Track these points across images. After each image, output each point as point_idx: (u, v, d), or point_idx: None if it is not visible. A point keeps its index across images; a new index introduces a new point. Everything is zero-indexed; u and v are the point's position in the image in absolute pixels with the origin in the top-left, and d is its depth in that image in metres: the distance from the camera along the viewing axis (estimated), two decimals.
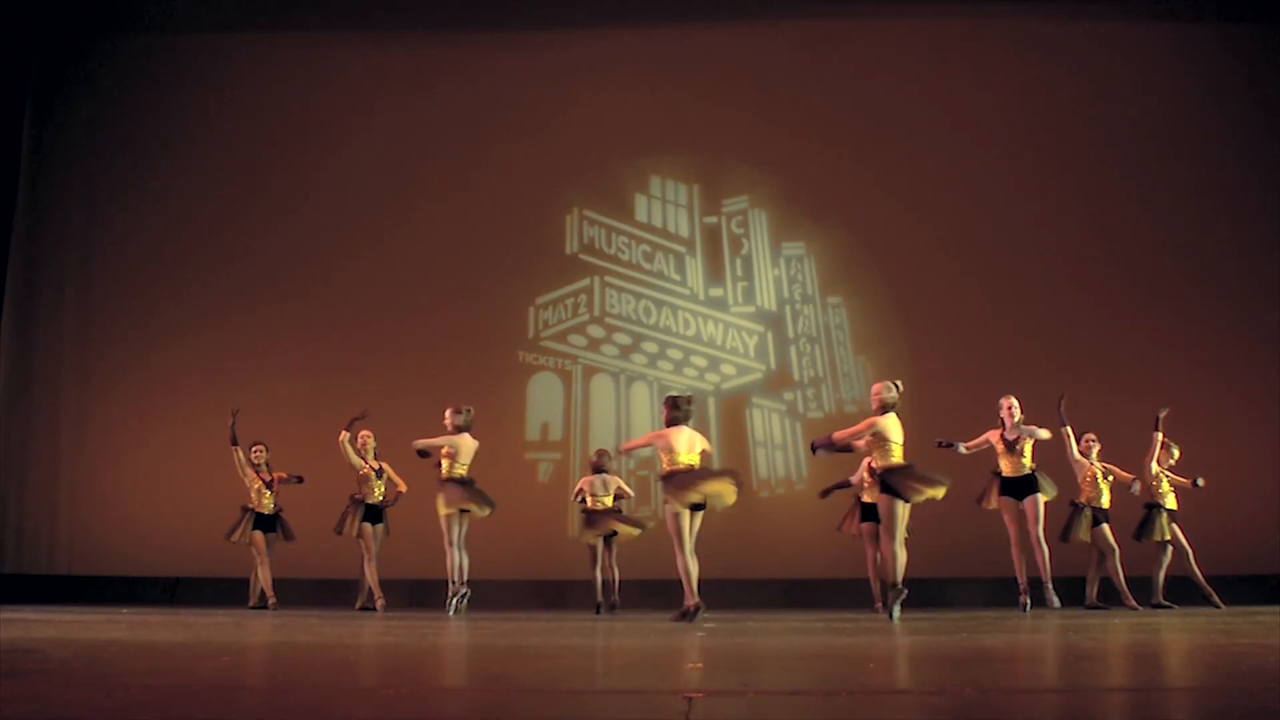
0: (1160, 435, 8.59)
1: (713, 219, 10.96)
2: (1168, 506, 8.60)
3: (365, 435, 8.84)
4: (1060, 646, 4.63)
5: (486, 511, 8.14)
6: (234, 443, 8.90)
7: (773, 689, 3.18)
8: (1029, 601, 7.83)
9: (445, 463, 8.08)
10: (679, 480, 6.80)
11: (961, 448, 7.94)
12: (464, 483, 8.05)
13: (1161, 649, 4.60)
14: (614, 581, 8.73)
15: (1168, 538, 8.55)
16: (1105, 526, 8.45)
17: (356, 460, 8.73)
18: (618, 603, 8.69)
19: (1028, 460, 7.94)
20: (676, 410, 6.97)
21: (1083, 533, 8.47)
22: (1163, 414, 8.60)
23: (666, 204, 10.99)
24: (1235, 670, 3.49)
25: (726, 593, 9.64)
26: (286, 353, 10.63)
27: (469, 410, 8.19)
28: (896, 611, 6.61)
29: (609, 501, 8.66)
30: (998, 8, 10.98)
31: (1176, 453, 8.70)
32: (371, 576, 8.70)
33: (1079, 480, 8.54)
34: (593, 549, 8.67)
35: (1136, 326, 10.34)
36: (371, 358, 10.45)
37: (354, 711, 2.70)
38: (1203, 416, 9.83)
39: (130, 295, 10.93)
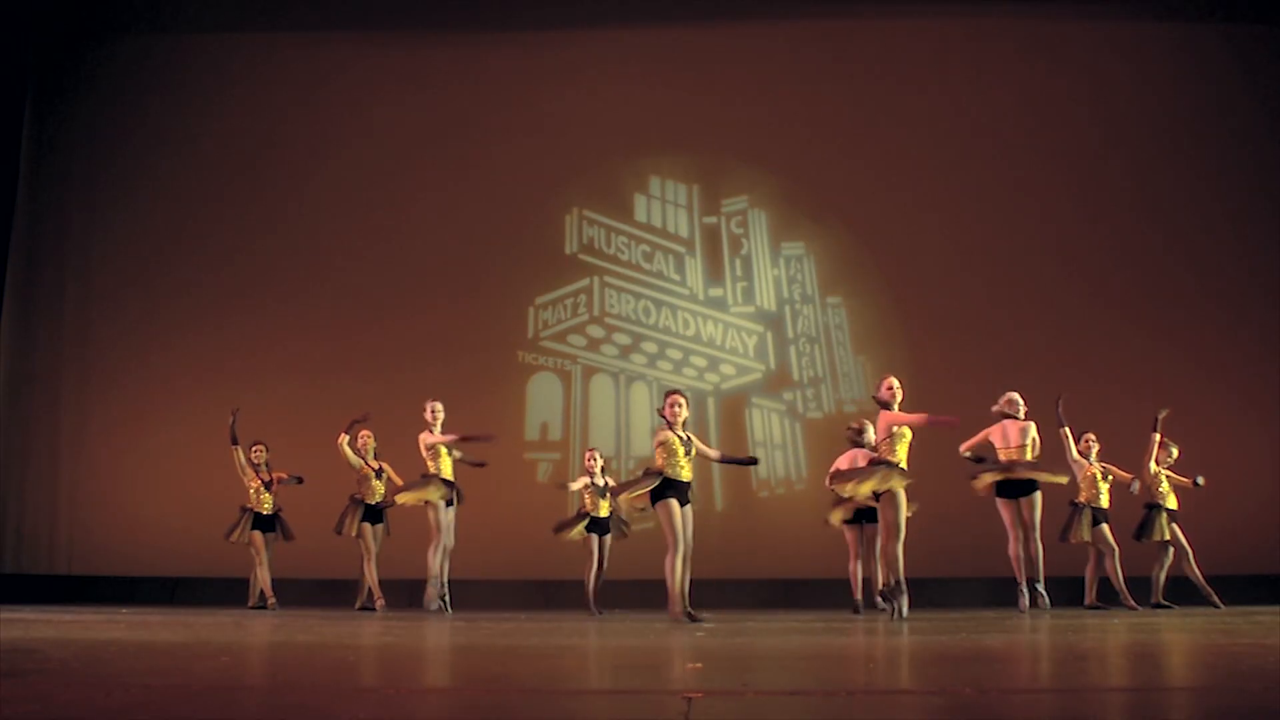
0: (1159, 436, 8.59)
1: (712, 219, 10.96)
2: (1168, 506, 8.60)
3: (365, 435, 8.84)
4: (1060, 646, 4.63)
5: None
6: (234, 442, 8.90)
7: (772, 689, 3.18)
8: (1029, 601, 7.82)
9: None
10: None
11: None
12: (449, 480, 8.29)
13: (1161, 649, 4.60)
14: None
15: (1167, 538, 8.55)
16: (1105, 526, 8.44)
17: (356, 461, 8.73)
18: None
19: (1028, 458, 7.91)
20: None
21: (1083, 532, 8.46)
22: (1162, 415, 8.60)
23: (666, 204, 10.98)
24: (1235, 670, 3.49)
25: (726, 593, 9.65)
26: (286, 352, 10.63)
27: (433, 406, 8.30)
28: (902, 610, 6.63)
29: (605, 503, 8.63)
30: (999, 8, 10.97)
31: (1175, 452, 8.70)
32: (371, 576, 8.70)
33: (1078, 480, 8.54)
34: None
35: (1137, 326, 10.34)
36: (371, 357, 10.45)
37: (354, 711, 2.70)
38: (1203, 416, 9.83)
39: (130, 295, 10.92)
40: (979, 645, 4.73)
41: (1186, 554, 8.52)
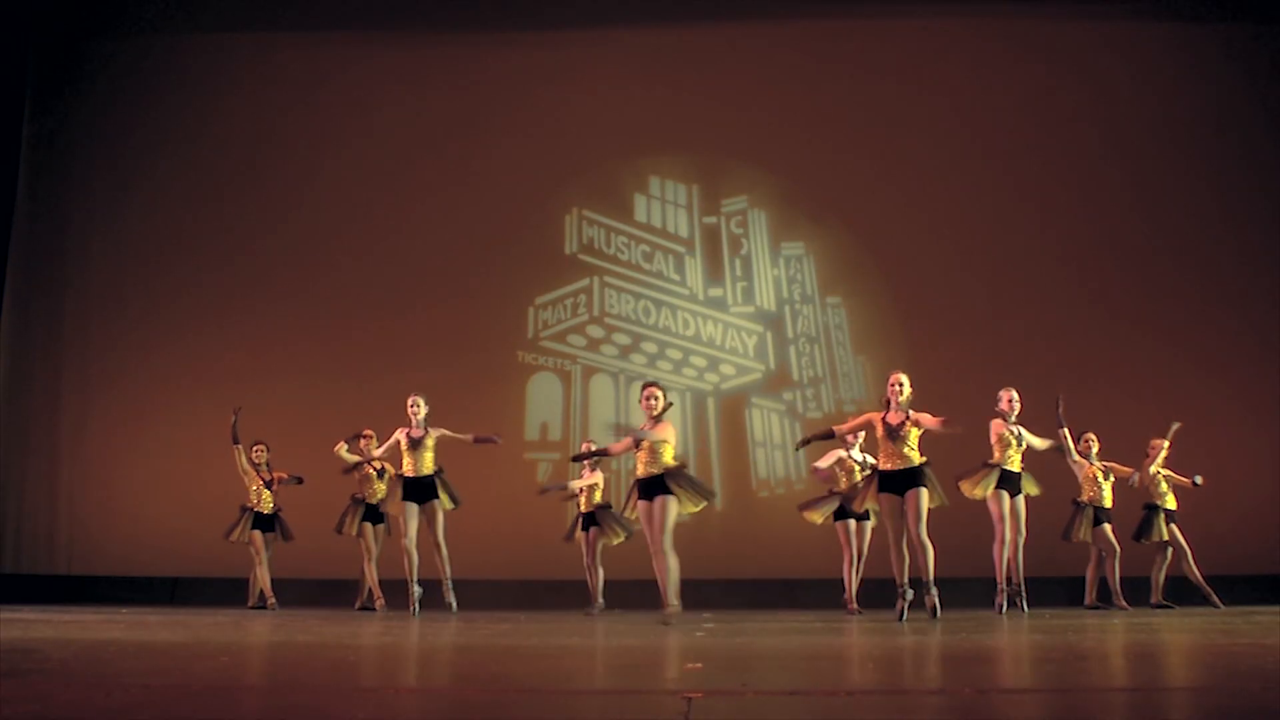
0: (1168, 444, 8.58)
1: (712, 219, 10.96)
2: (1166, 507, 8.61)
3: (368, 435, 8.83)
4: (1060, 646, 4.62)
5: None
6: (235, 442, 8.90)
7: (772, 689, 3.18)
8: (1021, 600, 7.73)
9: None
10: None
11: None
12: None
13: (1161, 649, 4.60)
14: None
15: (1166, 538, 8.56)
16: (1107, 526, 8.44)
17: (353, 459, 8.73)
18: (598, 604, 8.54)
19: (1018, 456, 7.75)
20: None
21: (1083, 532, 8.45)
22: (1175, 427, 8.58)
23: (666, 204, 10.99)
24: (1235, 670, 3.49)
25: (727, 593, 9.65)
26: (286, 352, 10.63)
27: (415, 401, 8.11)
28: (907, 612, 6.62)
29: (598, 498, 8.63)
30: (998, 8, 10.97)
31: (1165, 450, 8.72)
32: (371, 576, 8.70)
33: (1079, 480, 8.53)
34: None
35: (1137, 326, 10.34)
36: (371, 357, 10.45)
37: (354, 712, 2.70)
38: (1203, 416, 9.82)
39: (130, 294, 10.92)
40: (979, 645, 4.73)
41: (1185, 554, 8.52)
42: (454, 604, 8.02)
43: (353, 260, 10.84)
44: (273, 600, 8.79)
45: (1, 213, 10.98)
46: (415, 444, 7.97)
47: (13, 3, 11.13)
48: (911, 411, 6.72)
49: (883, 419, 6.79)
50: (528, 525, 9.75)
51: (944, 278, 10.54)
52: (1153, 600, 8.55)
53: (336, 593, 9.43)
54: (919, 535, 6.55)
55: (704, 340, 10.71)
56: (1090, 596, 8.64)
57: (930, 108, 10.83)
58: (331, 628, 6.17)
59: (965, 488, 7.68)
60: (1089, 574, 8.68)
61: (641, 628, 6.16)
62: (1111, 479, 8.56)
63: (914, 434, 6.70)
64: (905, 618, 6.59)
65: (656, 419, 6.68)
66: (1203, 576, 8.52)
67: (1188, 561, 8.52)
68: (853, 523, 7.98)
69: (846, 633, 5.73)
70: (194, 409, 10.38)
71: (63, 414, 10.80)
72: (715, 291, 10.83)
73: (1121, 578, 8.52)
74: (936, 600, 6.58)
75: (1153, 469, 8.61)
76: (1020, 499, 7.71)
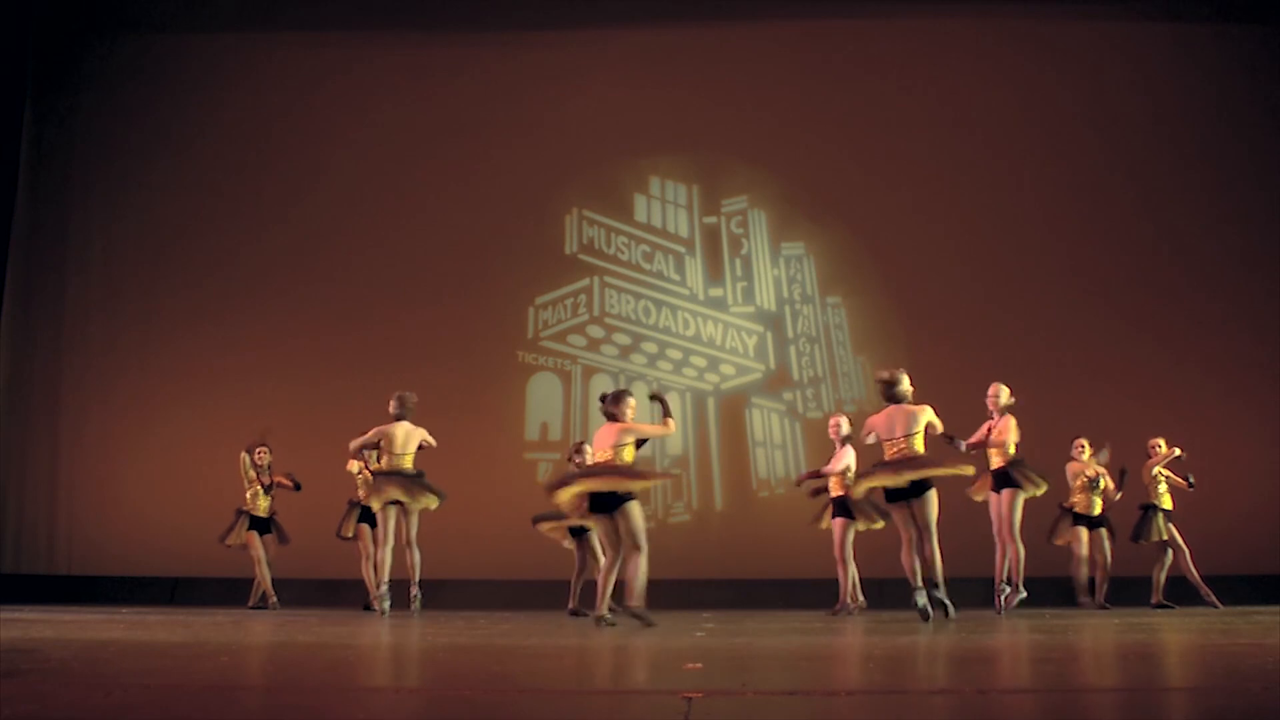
0: (1179, 452, 8.59)
1: (712, 219, 10.96)
2: (1164, 507, 8.61)
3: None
4: (1060, 647, 4.63)
5: (426, 503, 7.80)
6: (249, 450, 8.95)
7: (772, 689, 3.18)
8: (1016, 598, 7.71)
9: (373, 454, 7.97)
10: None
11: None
12: (393, 474, 7.73)
13: (1161, 649, 4.60)
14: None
15: (1165, 538, 8.56)
16: (1081, 529, 8.52)
17: (358, 465, 8.74)
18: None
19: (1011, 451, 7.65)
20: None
21: (1066, 534, 8.59)
22: (1176, 454, 8.61)
23: (666, 204, 10.98)
24: (1235, 670, 3.49)
25: (726, 593, 9.66)
26: (285, 352, 10.63)
27: (400, 397, 7.90)
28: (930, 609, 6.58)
29: None
30: (998, 7, 10.97)
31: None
32: (370, 578, 8.67)
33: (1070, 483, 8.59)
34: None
35: (1137, 325, 10.34)
36: (370, 357, 10.44)
37: (354, 712, 2.70)
38: (1203, 416, 9.84)
39: (129, 295, 10.92)
40: (979, 645, 4.73)
41: (1184, 554, 8.52)
42: (418, 606, 7.90)
43: (353, 260, 10.84)
44: (274, 600, 8.80)
45: (2, 212, 10.97)
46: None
47: (13, 3, 11.13)
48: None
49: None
50: (527, 526, 9.75)
51: (944, 278, 10.53)
52: (1154, 600, 8.55)
53: (336, 593, 9.43)
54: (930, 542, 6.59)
55: (704, 340, 10.71)
56: (1100, 595, 8.62)
57: (930, 108, 10.83)
58: (331, 628, 6.17)
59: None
60: (1097, 575, 8.66)
61: (641, 628, 6.15)
62: (1102, 485, 8.57)
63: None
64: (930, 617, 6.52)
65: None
66: (1201, 577, 8.52)
67: (1185, 561, 8.52)
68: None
69: (846, 633, 5.73)
70: (194, 409, 10.38)
71: (63, 414, 10.79)
72: (715, 291, 10.83)
73: (1111, 578, 8.57)
74: (930, 602, 6.55)
75: (1155, 470, 8.61)
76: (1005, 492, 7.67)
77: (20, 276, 11.00)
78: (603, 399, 6.79)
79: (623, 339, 10.72)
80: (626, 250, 10.88)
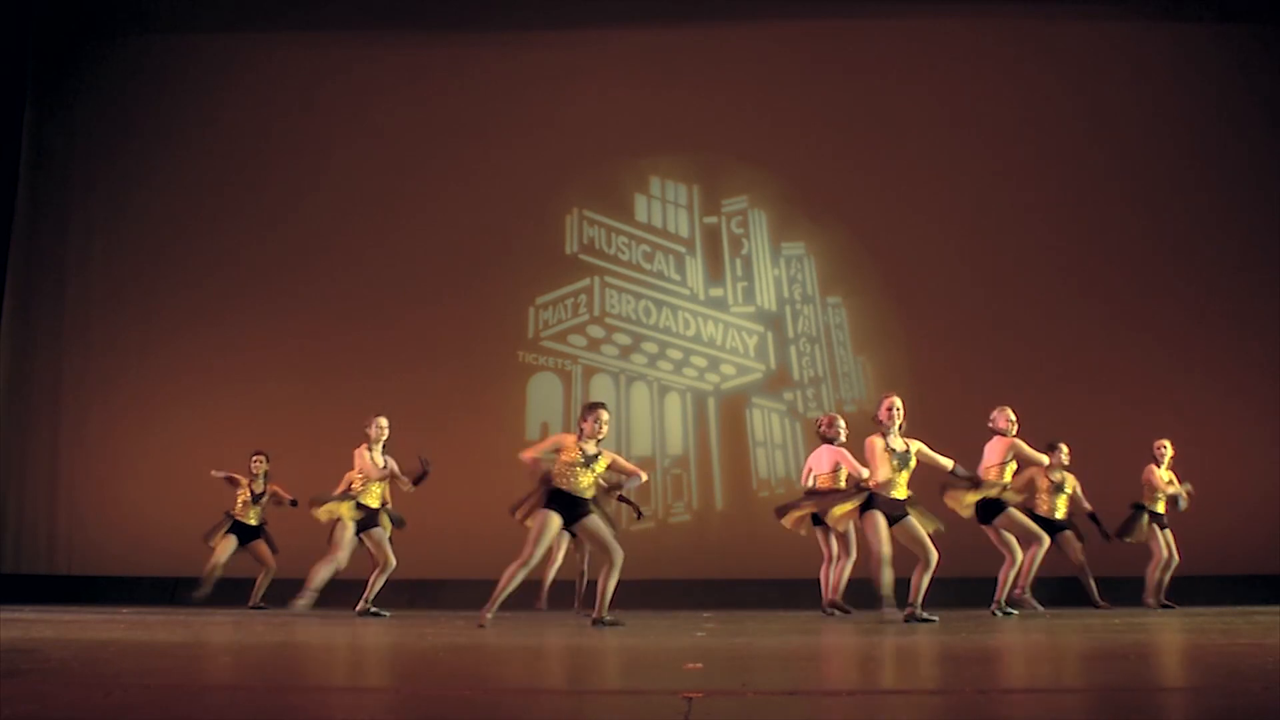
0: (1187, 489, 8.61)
1: (712, 219, 10.96)
2: (1153, 509, 8.59)
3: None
4: (1060, 646, 4.63)
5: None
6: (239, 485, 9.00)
7: (772, 689, 3.18)
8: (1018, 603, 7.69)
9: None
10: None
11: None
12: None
13: (1161, 649, 4.60)
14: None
15: (1143, 539, 8.55)
16: (1068, 533, 8.49)
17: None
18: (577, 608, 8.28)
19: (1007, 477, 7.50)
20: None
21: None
22: (1186, 489, 8.63)
23: (666, 204, 10.98)
24: (1235, 670, 3.49)
25: (727, 593, 9.65)
26: (285, 353, 10.62)
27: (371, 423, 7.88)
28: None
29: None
30: (997, 7, 10.97)
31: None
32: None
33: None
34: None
35: (1136, 326, 10.34)
36: (371, 358, 10.44)
37: (354, 712, 2.70)
38: (1203, 416, 9.84)
39: (130, 295, 10.92)
40: (979, 645, 4.73)
41: (1151, 558, 8.52)
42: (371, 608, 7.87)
43: (353, 260, 10.84)
44: (203, 592, 8.86)
45: (2, 212, 10.97)
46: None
47: (13, 3, 11.13)
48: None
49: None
50: (526, 525, 9.74)
51: (944, 278, 10.53)
52: (1156, 598, 8.53)
53: (335, 592, 9.42)
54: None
55: (704, 340, 10.70)
56: (1095, 596, 8.62)
57: (930, 108, 10.83)
58: (331, 628, 6.17)
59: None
60: (1082, 579, 8.64)
61: (642, 627, 6.16)
62: (1070, 490, 8.49)
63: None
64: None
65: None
66: (1168, 583, 8.49)
67: (1154, 564, 8.51)
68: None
69: (846, 633, 5.73)
70: (194, 409, 10.38)
71: (63, 414, 10.79)
72: (716, 291, 10.83)
73: (1096, 578, 8.56)
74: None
75: (1164, 474, 8.60)
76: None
77: (20, 276, 11.00)
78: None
79: (623, 339, 10.72)
80: (627, 250, 10.88)
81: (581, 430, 6.48)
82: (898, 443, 6.70)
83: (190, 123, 11.14)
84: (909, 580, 6.59)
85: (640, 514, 8.21)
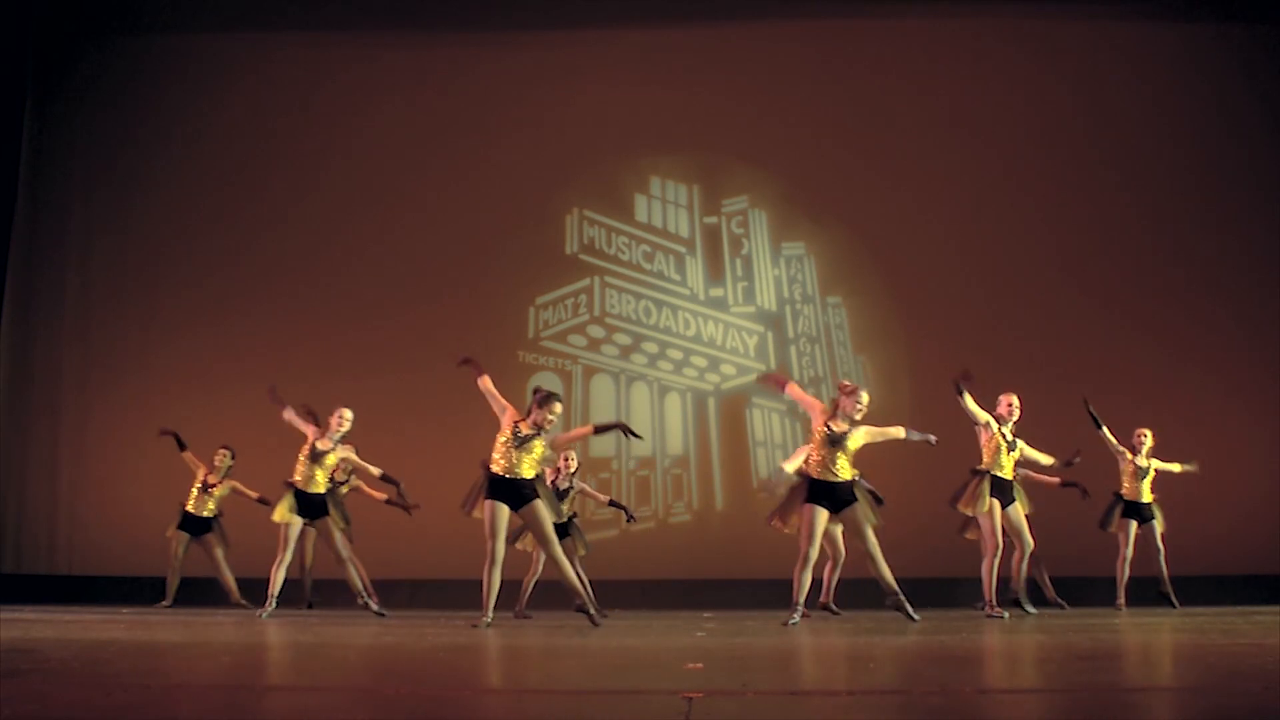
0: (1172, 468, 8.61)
1: (713, 219, 10.96)
2: (1128, 499, 8.57)
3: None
4: (1060, 646, 4.62)
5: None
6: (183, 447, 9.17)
7: (772, 689, 3.18)
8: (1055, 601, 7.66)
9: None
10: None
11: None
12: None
13: (1161, 649, 4.60)
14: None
15: (1114, 529, 8.56)
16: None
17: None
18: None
19: (1010, 464, 7.46)
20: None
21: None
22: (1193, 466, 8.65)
23: (666, 204, 10.99)
24: (1235, 670, 3.49)
25: (727, 593, 9.65)
26: (285, 352, 10.62)
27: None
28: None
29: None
30: (998, 7, 10.97)
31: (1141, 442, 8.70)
32: (350, 576, 8.48)
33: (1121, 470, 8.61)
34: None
35: (1137, 325, 10.34)
36: (371, 357, 10.44)
37: (354, 712, 2.70)
38: (1203, 416, 9.84)
39: (130, 295, 10.92)
40: (979, 645, 4.73)
41: (1119, 552, 8.52)
42: (380, 609, 7.77)
43: (353, 260, 10.84)
44: (167, 603, 9.00)
45: (2, 213, 10.97)
46: (317, 456, 7.65)
47: (13, 3, 11.13)
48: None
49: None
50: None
51: (944, 277, 10.54)
52: (1160, 590, 8.51)
53: (333, 593, 9.42)
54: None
55: (705, 340, 10.71)
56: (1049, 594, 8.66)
57: (930, 108, 10.83)
58: (331, 628, 6.18)
59: (964, 507, 7.59)
60: (1037, 573, 8.63)
61: (642, 627, 6.16)
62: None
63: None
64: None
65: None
66: (1127, 578, 8.47)
67: (1123, 558, 8.49)
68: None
69: (847, 633, 5.73)
70: (194, 409, 10.36)
71: (63, 414, 10.80)
72: (716, 291, 10.83)
73: (1060, 577, 8.57)
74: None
75: (1149, 462, 8.57)
76: (1015, 508, 7.46)
77: (20, 277, 11.01)
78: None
79: (623, 339, 10.72)
80: (627, 250, 10.88)
81: (529, 414, 6.36)
82: (839, 424, 6.44)
83: (190, 122, 11.14)
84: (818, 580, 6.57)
85: (631, 517, 8.20)
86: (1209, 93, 10.84)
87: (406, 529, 8.91)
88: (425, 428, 10.04)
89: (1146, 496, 8.58)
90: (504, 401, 6.50)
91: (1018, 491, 7.57)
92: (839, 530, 7.92)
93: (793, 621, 6.19)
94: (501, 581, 6.27)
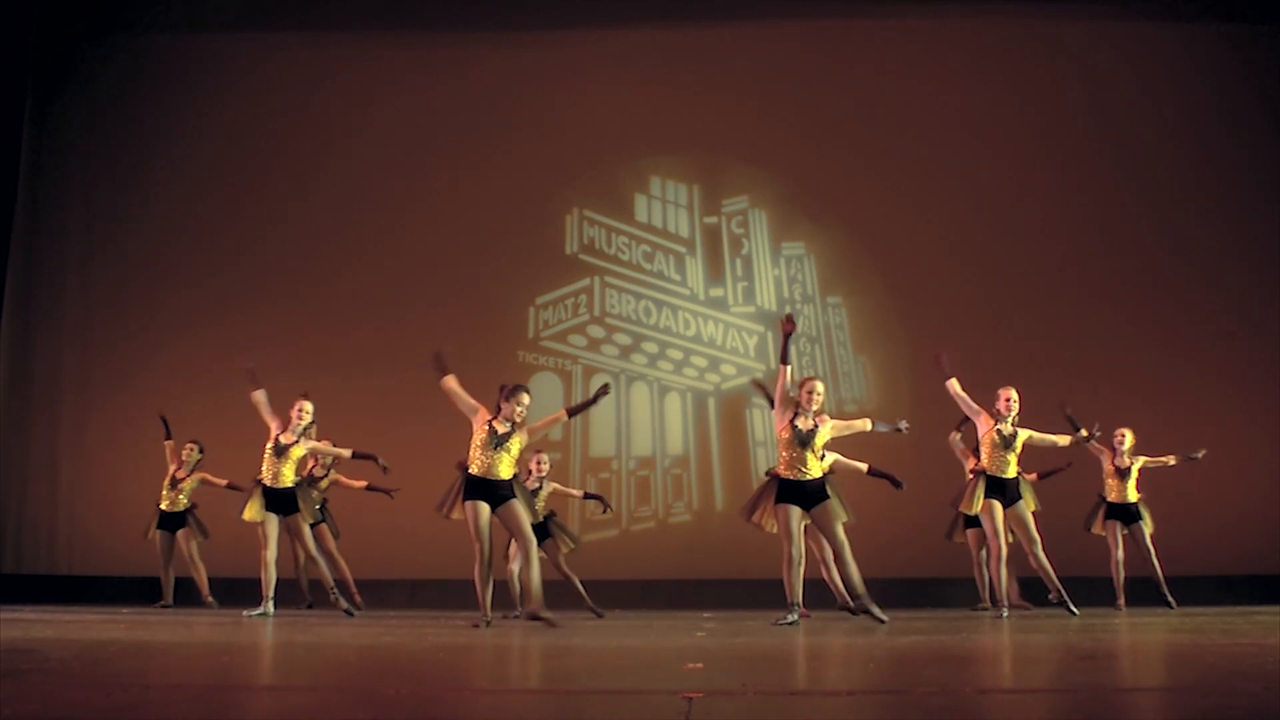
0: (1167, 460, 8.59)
1: (713, 219, 10.96)
2: (1110, 501, 8.56)
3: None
4: (1060, 646, 4.63)
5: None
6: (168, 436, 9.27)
7: (772, 689, 3.18)
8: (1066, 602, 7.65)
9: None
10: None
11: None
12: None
13: (1160, 649, 4.60)
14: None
15: (1101, 532, 8.54)
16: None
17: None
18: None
19: (1014, 461, 7.38)
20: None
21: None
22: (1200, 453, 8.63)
23: (666, 204, 10.99)
24: (1235, 670, 3.49)
25: (727, 593, 9.65)
26: (285, 352, 10.59)
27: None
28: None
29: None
30: (997, 7, 10.97)
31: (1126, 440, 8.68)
32: (322, 575, 8.39)
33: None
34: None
35: (1137, 325, 10.34)
36: (371, 358, 10.44)
37: (354, 712, 2.70)
38: (1203, 416, 9.83)
39: (130, 295, 10.92)
40: (979, 645, 4.73)
41: (1110, 552, 8.51)
42: (350, 608, 7.74)
43: (353, 261, 10.84)
44: (166, 602, 9.04)
45: (2, 213, 10.97)
46: (281, 451, 7.60)
47: (13, 3, 11.13)
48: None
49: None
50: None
51: (944, 277, 10.53)
52: (1160, 591, 8.51)
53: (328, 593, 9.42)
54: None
55: (705, 340, 10.71)
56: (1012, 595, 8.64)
57: (930, 108, 10.83)
58: (331, 628, 6.18)
59: (963, 508, 7.59)
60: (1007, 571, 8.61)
61: (642, 627, 6.16)
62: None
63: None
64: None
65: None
66: (1124, 579, 8.46)
67: (1115, 560, 8.49)
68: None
69: (847, 633, 5.73)
70: (194, 409, 10.35)
71: (63, 414, 10.80)
72: (716, 291, 10.83)
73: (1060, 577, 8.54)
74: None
75: (1130, 461, 8.56)
76: (1020, 506, 7.32)
77: (20, 277, 11.00)
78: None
79: (623, 339, 10.72)
80: (627, 250, 10.88)
81: (499, 409, 6.31)
82: (804, 421, 6.47)
83: (190, 122, 11.14)
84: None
85: (607, 507, 8.17)
86: (1209, 93, 10.85)
87: (406, 529, 8.92)
88: (425, 427, 10.00)
89: (1132, 496, 8.54)
90: (473, 401, 6.42)
91: (1024, 488, 7.42)
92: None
93: (785, 621, 6.18)
94: (493, 580, 6.26)
